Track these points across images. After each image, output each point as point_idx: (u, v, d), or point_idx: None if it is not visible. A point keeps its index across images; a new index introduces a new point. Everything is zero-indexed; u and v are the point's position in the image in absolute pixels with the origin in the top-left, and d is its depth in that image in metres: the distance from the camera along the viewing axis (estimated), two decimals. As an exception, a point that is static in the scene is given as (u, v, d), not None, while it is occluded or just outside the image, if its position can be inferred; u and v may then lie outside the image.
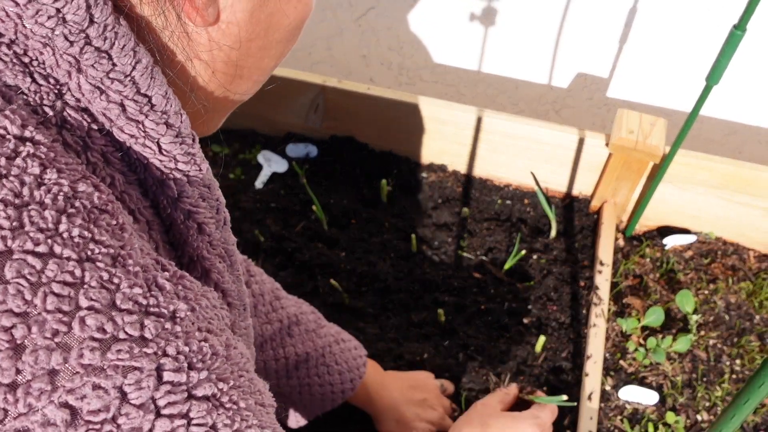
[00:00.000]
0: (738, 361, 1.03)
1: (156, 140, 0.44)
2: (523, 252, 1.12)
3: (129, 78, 0.41)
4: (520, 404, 0.93)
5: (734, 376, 1.02)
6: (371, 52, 1.49)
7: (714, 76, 0.88)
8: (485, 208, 1.21)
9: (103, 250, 0.37)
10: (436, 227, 1.18)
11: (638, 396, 0.98)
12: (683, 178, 1.11)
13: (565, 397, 0.91)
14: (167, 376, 0.36)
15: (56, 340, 0.34)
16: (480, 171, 1.24)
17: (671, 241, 1.15)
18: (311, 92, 1.21)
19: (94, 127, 0.43)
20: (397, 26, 1.43)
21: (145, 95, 0.42)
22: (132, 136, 0.43)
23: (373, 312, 1.08)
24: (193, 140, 0.46)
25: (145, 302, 0.37)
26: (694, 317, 1.04)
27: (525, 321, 1.07)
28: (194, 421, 0.37)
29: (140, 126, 0.43)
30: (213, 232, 0.51)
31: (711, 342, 1.05)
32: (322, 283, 1.09)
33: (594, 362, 0.98)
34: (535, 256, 1.14)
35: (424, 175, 1.24)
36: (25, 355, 0.33)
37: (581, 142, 1.14)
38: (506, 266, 1.12)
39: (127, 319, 0.36)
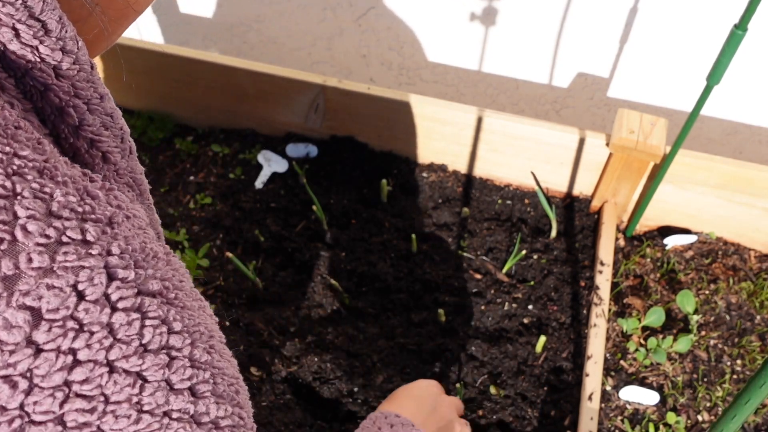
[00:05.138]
0: (739, 362, 1.03)
1: (52, 66, 0.44)
2: (524, 252, 1.12)
3: (20, 2, 0.40)
4: None
5: (735, 377, 1.01)
6: (371, 52, 1.49)
7: (715, 76, 0.88)
8: (485, 208, 1.21)
9: (29, 164, 0.38)
10: (436, 227, 1.18)
11: (639, 396, 0.98)
12: (684, 178, 1.11)
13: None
14: (116, 273, 0.38)
15: (2, 247, 0.35)
16: (480, 171, 1.24)
17: (672, 241, 1.15)
18: (311, 92, 1.21)
19: None
20: (397, 26, 1.42)
21: (39, 20, 0.41)
22: (28, 61, 0.43)
23: (373, 312, 1.08)
24: (92, 68, 0.46)
25: (81, 209, 0.38)
26: (695, 317, 1.04)
27: (525, 321, 1.07)
28: (149, 314, 0.39)
29: (35, 51, 0.42)
30: (119, 161, 0.51)
31: (712, 342, 1.04)
32: (323, 283, 1.09)
33: (594, 362, 0.98)
34: (535, 256, 1.14)
35: (424, 175, 1.24)
36: None
37: (582, 142, 1.14)
38: (506, 266, 1.12)
39: (66, 224, 0.37)
